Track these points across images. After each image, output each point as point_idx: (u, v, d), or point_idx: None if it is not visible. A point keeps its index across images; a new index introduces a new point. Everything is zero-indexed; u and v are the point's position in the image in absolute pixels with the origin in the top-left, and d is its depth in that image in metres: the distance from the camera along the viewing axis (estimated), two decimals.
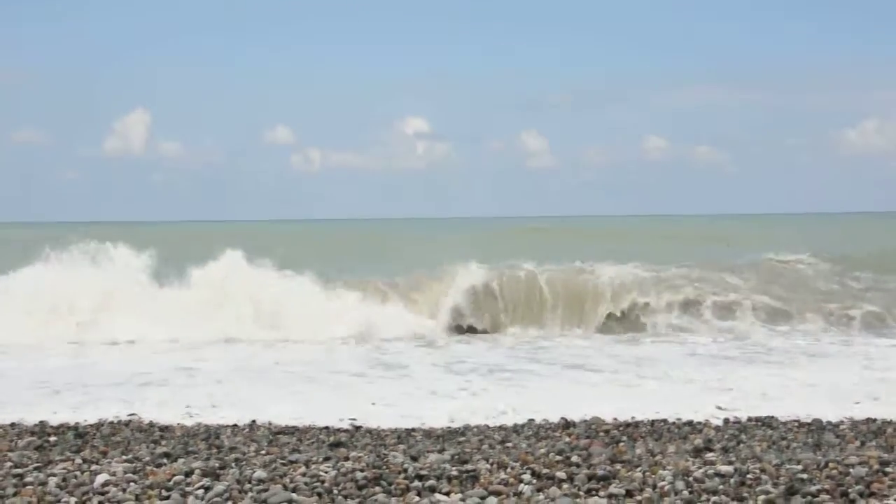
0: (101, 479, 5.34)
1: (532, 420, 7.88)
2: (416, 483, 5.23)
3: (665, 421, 7.73)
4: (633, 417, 7.86)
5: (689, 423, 7.60)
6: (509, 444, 6.66)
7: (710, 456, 6.02)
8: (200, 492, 5.10)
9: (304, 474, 5.40)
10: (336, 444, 6.72)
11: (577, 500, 4.92)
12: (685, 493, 5.01)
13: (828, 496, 4.81)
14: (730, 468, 5.44)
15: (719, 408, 8.35)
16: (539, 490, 5.14)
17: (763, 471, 5.40)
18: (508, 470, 5.51)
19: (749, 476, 5.31)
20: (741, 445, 6.55)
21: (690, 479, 5.29)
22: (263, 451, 6.33)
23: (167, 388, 9.88)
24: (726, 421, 7.71)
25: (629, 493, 5.00)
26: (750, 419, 7.75)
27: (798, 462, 5.61)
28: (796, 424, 7.50)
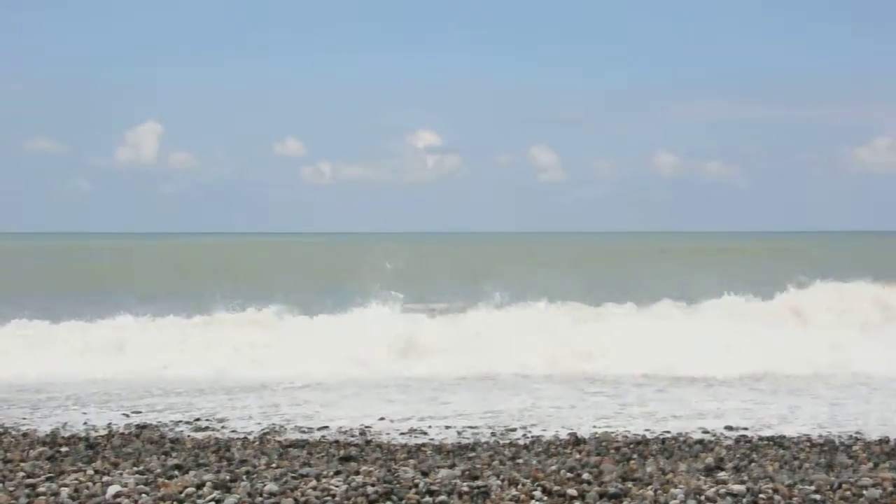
0: (112, 490, 5.34)
1: (541, 436, 7.85)
2: (428, 498, 5.21)
3: (676, 439, 7.69)
4: (643, 435, 7.82)
5: (701, 441, 7.55)
6: (520, 461, 6.63)
7: (721, 475, 5.98)
8: None
9: (315, 488, 5.39)
10: (346, 458, 6.70)
11: None
12: None
13: None
14: (742, 488, 5.40)
15: (729, 427, 8.29)
16: None
17: (776, 491, 5.35)
18: (520, 486, 5.48)
19: (762, 496, 5.27)
20: (753, 465, 6.50)
21: (702, 498, 5.25)
22: (274, 465, 6.31)
23: None
24: (738, 440, 7.66)
25: None
26: (761, 438, 7.70)
27: (811, 483, 5.57)
28: (808, 444, 7.44)
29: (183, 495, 5.26)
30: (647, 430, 8.16)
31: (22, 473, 5.84)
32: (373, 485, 5.42)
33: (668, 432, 8.02)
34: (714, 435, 7.92)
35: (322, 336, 13.41)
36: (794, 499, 5.22)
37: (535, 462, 6.52)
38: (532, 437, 7.87)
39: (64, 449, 7.05)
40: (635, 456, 6.88)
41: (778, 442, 7.52)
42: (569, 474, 5.83)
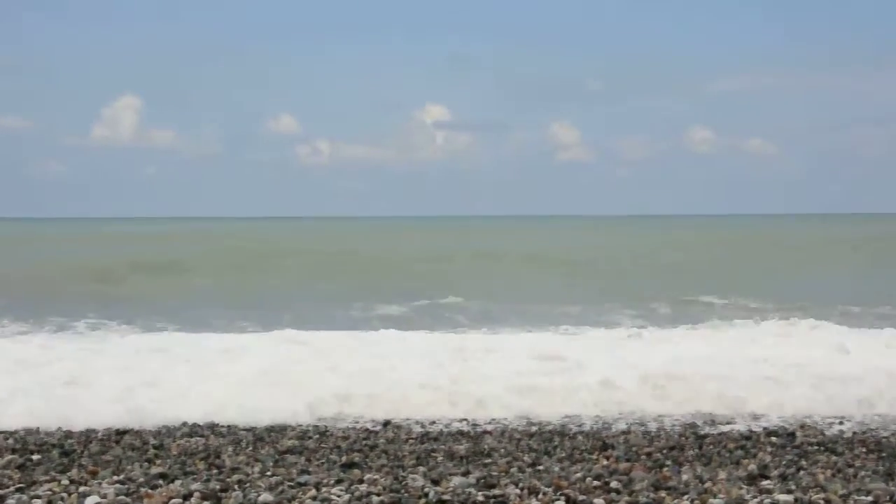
0: (90, 501, 5.42)
1: (564, 440, 7.90)
2: None
3: (715, 443, 7.72)
4: (678, 440, 7.84)
5: (742, 446, 7.59)
6: (540, 468, 6.68)
7: (766, 484, 6.01)
8: None
9: (314, 498, 5.46)
10: (349, 465, 6.77)
11: None
12: None
13: None
14: (789, 498, 5.44)
15: (774, 434, 8.29)
16: None
17: (828, 502, 5.38)
18: (540, 496, 5.53)
19: None
20: (801, 472, 6.52)
21: None
22: (269, 472, 6.38)
23: None
24: (784, 445, 7.69)
25: None
26: (811, 443, 7.72)
27: (868, 493, 5.59)
28: (864, 450, 7.45)
29: None
30: (681, 434, 8.20)
31: None
32: (378, 494, 5.48)
33: (707, 436, 8.05)
34: (757, 439, 7.94)
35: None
36: None
37: (557, 469, 6.57)
38: (556, 441, 7.92)
39: (35, 456, 7.12)
40: (669, 462, 6.91)
41: (830, 447, 7.54)
42: (595, 482, 5.88)
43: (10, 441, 7.92)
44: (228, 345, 12.32)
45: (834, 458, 7.14)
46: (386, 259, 33.84)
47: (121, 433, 8.37)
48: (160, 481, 6.02)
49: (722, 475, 6.32)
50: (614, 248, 41.51)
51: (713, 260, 33.52)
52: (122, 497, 5.53)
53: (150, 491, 5.69)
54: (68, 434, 8.42)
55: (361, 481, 5.93)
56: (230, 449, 7.58)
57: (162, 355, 11.53)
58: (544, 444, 7.80)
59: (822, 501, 5.42)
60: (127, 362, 10.96)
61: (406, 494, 5.49)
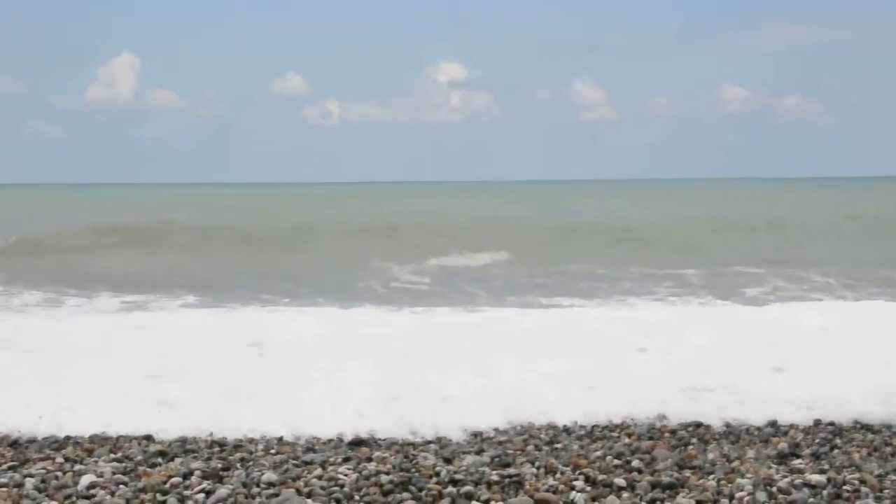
0: (86, 480, 5.48)
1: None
2: (451, 489, 5.32)
3: (744, 420, 7.72)
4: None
5: (773, 423, 7.59)
6: (558, 446, 6.72)
7: (797, 463, 6.03)
8: (201, 496, 5.24)
9: (320, 477, 5.51)
10: (357, 443, 6.82)
11: None
12: None
13: None
14: (822, 478, 5.45)
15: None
16: (594, 499, 5.20)
17: (863, 482, 5.39)
18: (558, 475, 5.57)
19: (846, 488, 5.31)
20: (835, 451, 6.53)
21: (774, 489, 5.31)
22: (273, 450, 6.44)
23: None
24: (817, 422, 7.69)
25: None
26: (846, 421, 7.71)
27: None
28: None
29: (168, 486, 5.40)
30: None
31: None
32: (387, 473, 5.53)
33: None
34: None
35: None
36: (886, 491, 5.26)
37: (576, 447, 6.60)
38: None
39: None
40: (694, 440, 6.93)
41: (866, 425, 7.53)
42: (616, 461, 5.91)
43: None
44: None
45: (871, 435, 7.13)
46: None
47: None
48: (159, 459, 6.09)
49: (750, 454, 6.33)
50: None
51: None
52: (119, 475, 5.60)
53: (148, 469, 5.76)
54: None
55: (370, 459, 5.98)
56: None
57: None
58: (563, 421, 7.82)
59: (856, 482, 5.43)
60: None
61: (416, 473, 5.53)
